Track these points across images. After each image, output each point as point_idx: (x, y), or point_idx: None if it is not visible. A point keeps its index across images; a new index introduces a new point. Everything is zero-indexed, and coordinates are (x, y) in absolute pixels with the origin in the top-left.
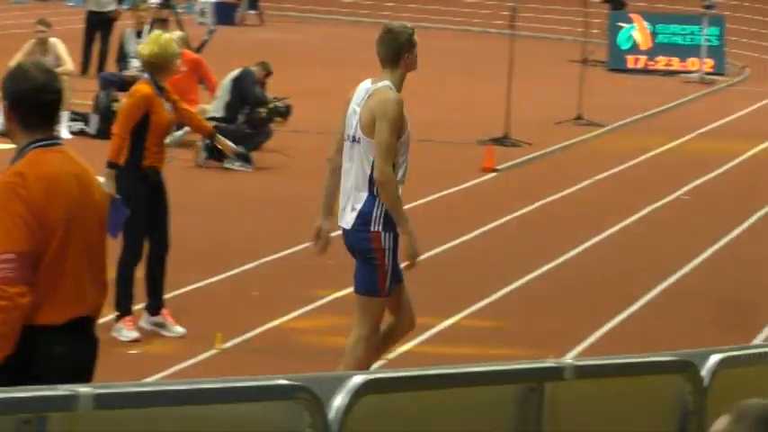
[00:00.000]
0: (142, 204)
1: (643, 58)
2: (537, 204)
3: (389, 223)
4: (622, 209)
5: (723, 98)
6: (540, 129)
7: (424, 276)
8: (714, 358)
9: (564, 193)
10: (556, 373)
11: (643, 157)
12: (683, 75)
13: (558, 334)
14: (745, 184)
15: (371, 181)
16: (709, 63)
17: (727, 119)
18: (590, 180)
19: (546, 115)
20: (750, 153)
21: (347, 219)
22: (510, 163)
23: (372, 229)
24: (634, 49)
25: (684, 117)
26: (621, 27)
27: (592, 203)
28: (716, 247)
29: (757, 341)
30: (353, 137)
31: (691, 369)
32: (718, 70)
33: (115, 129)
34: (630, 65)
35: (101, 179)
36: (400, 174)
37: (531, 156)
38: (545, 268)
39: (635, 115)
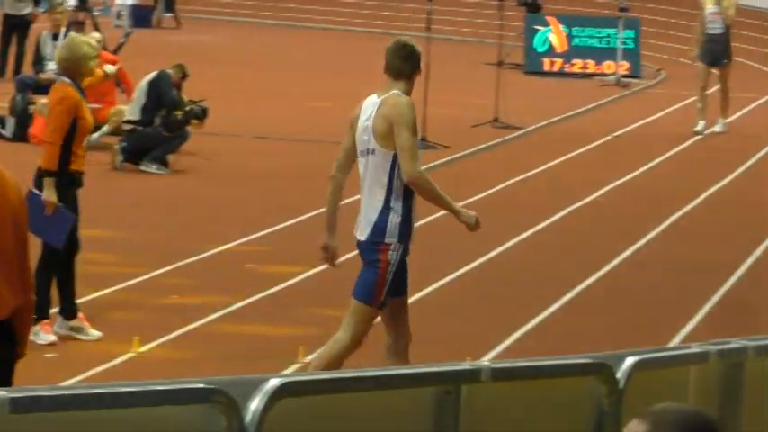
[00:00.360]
0: (70, 209)
1: (559, 60)
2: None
3: (403, 236)
4: (542, 210)
5: (639, 101)
6: (457, 132)
7: (340, 282)
8: (629, 360)
9: (483, 194)
10: (472, 376)
11: (563, 158)
12: (599, 78)
13: (475, 336)
14: (662, 185)
15: (389, 190)
16: (624, 66)
17: (644, 121)
18: (509, 181)
19: (463, 118)
20: (667, 155)
21: (361, 230)
22: (427, 166)
23: (385, 241)
24: (550, 51)
25: (601, 120)
26: (537, 30)
27: (511, 205)
28: (634, 247)
29: (674, 343)
30: (367, 150)
31: (606, 371)
32: (634, 73)
33: (48, 137)
34: (547, 68)
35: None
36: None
37: (448, 158)
38: (462, 270)
39: (552, 118)
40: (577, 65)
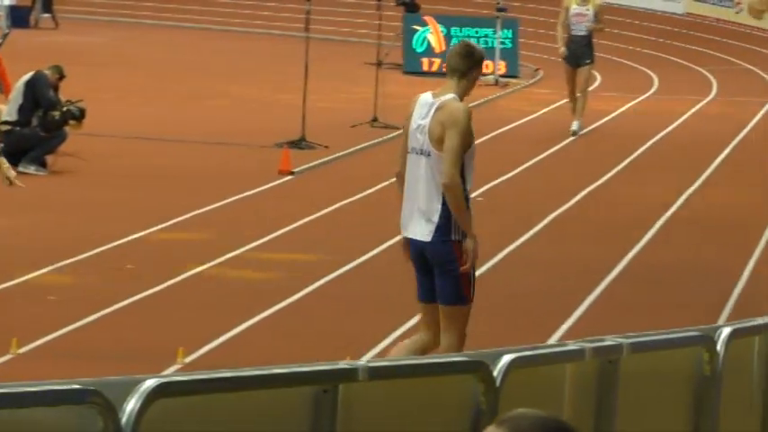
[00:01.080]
0: None
1: (438, 60)
2: (333, 207)
3: (465, 234)
4: None
5: (517, 100)
6: (336, 131)
7: (220, 280)
8: (506, 358)
9: (361, 195)
10: (349, 375)
11: None
12: None
13: (356, 335)
14: (540, 185)
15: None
16: (503, 66)
17: (522, 120)
18: (388, 181)
19: (342, 118)
20: (545, 154)
21: (421, 231)
22: (306, 166)
23: (453, 239)
24: (429, 51)
25: (479, 120)
26: (416, 30)
27: (388, 205)
28: (511, 247)
29: (552, 341)
30: (421, 150)
31: (483, 369)
32: (512, 73)
33: None
34: (426, 68)
35: None
36: (467, 186)
37: (327, 158)
38: (342, 270)
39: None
40: None
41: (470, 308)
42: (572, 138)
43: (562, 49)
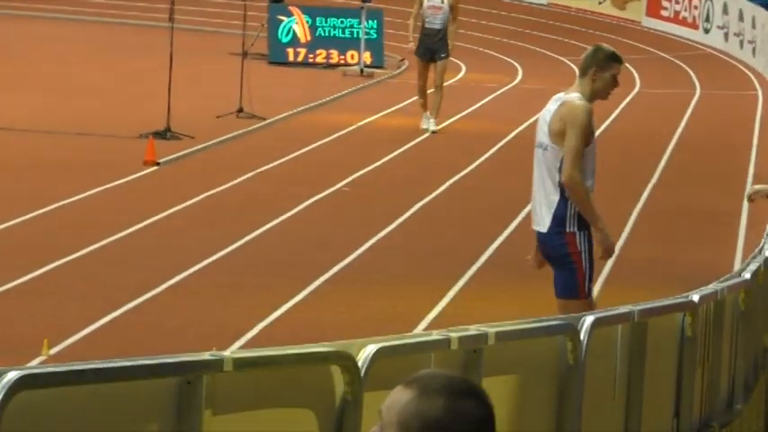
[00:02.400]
0: None
1: (303, 50)
2: (199, 197)
3: (583, 222)
4: (286, 199)
5: (382, 90)
6: (201, 122)
7: (87, 271)
8: (370, 348)
9: (226, 185)
10: (214, 365)
11: (306, 149)
12: (342, 67)
13: (223, 326)
14: (407, 173)
15: (561, 185)
16: (368, 56)
17: (386, 111)
18: (253, 171)
19: (207, 108)
20: (411, 144)
21: (542, 222)
22: (172, 156)
23: (567, 230)
24: (294, 42)
25: (345, 109)
26: (281, 20)
27: (255, 195)
28: (378, 236)
29: (419, 330)
30: (541, 144)
31: (347, 359)
32: (377, 63)
33: None
34: (291, 58)
35: None
36: (589, 183)
37: (193, 149)
38: (210, 259)
39: (296, 108)
40: (321, 55)
41: (586, 304)
42: (430, 134)
43: (411, 44)
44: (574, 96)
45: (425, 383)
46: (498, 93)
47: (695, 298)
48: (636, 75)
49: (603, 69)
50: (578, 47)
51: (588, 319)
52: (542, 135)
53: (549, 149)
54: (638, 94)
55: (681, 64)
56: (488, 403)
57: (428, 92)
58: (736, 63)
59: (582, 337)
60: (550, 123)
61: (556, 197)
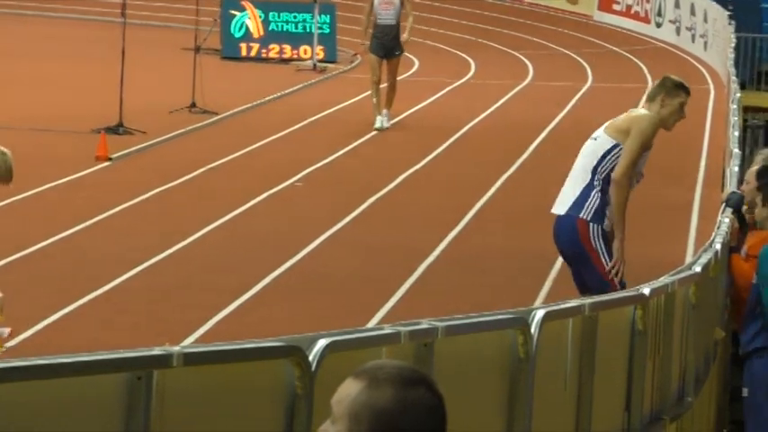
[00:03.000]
0: None
1: (256, 45)
2: (151, 193)
3: (599, 217)
4: (239, 195)
5: (335, 85)
6: (154, 117)
7: (37, 268)
8: (321, 342)
9: (178, 181)
10: (164, 361)
11: (258, 144)
12: (295, 62)
13: (174, 322)
14: (360, 168)
15: (594, 174)
16: (321, 51)
17: (339, 106)
18: (206, 167)
19: (160, 103)
20: (365, 138)
21: (564, 205)
22: (124, 152)
23: (580, 216)
24: (247, 37)
25: (298, 105)
26: (234, 15)
27: (207, 191)
28: (330, 231)
29: (371, 325)
30: (596, 136)
31: (298, 354)
32: (330, 58)
33: None
34: (244, 53)
35: None
36: (633, 182)
37: (145, 144)
38: (161, 256)
39: (249, 103)
40: (274, 50)
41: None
42: (384, 130)
43: (364, 45)
44: (643, 109)
45: (374, 374)
46: (451, 87)
47: (646, 291)
48: (588, 69)
49: (672, 97)
50: (530, 41)
51: (539, 313)
52: (600, 129)
53: (599, 139)
54: (590, 88)
55: (633, 58)
56: (438, 392)
57: (381, 87)
58: (687, 57)
59: (532, 331)
60: (616, 120)
61: (583, 185)
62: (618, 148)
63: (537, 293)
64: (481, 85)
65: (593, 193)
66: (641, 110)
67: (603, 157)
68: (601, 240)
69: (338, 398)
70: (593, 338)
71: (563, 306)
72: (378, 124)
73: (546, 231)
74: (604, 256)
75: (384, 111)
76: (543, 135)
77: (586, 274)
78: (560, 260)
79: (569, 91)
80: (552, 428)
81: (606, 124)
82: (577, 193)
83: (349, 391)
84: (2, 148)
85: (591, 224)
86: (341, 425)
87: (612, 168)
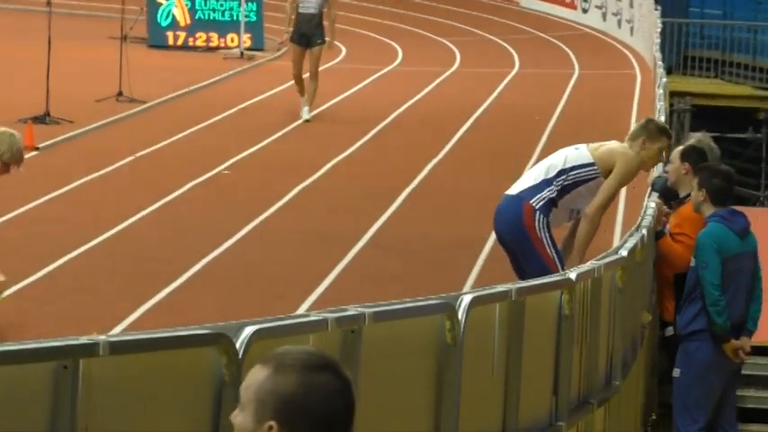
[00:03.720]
0: None
1: (183, 34)
2: (78, 182)
3: (545, 210)
4: (167, 183)
5: (262, 73)
6: (81, 106)
7: None
8: (248, 330)
9: (106, 170)
10: (89, 350)
11: (186, 133)
12: (223, 51)
13: (103, 310)
14: (287, 157)
15: (551, 182)
16: (247, 38)
17: (267, 94)
18: (133, 157)
19: (87, 92)
20: (291, 127)
21: (518, 188)
22: (51, 141)
23: (530, 201)
24: (174, 25)
25: (225, 93)
26: (160, 4)
27: (136, 179)
28: (258, 219)
29: (300, 312)
30: (579, 146)
31: (224, 341)
32: (257, 46)
33: None
34: (171, 41)
35: None
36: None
37: (72, 133)
38: (91, 244)
39: (176, 92)
40: (201, 38)
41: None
42: (303, 122)
43: (286, 36)
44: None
45: (280, 360)
46: (379, 75)
47: (572, 276)
48: (515, 55)
49: (653, 141)
50: (458, 28)
51: (466, 298)
52: (583, 144)
53: (580, 150)
54: (517, 74)
55: (559, 44)
56: (345, 376)
57: (305, 77)
58: (614, 43)
59: (460, 316)
60: (602, 146)
61: (545, 177)
62: (592, 168)
63: (466, 279)
64: (408, 72)
65: (549, 188)
66: (625, 147)
67: (575, 167)
68: (546, 231)
69: (246, 384)
70: (520, 323)
71: (490, 291)
72: (305, 116)
73: (475, 216)
74: (550, 248)
75: (306, 103)
76: (471, 121)
77: (526, 262)
78: (489, 245)
79: (496, 77)
80: (480, 413)
81: (592, 145)
82: (535, 182)
83: (256, 377)
84: (10, 130)
85: (538, 212)
86: (248, 411)
87: (576, 182)
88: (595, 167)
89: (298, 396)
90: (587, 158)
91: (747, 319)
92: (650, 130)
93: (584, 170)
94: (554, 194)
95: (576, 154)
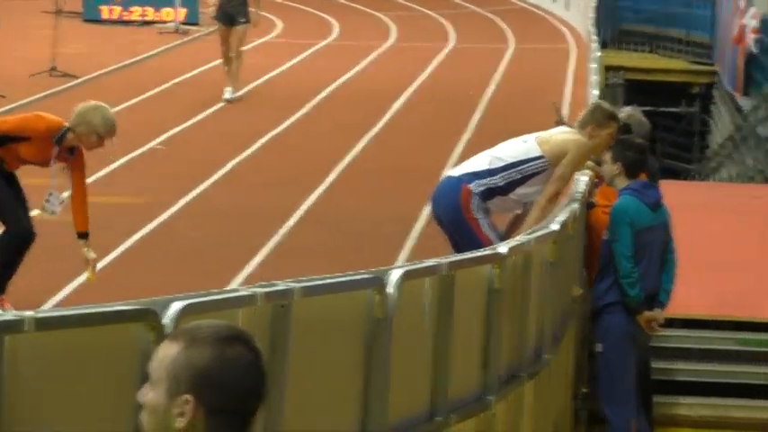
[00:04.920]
0: None
1: (118, 8)
2: None
3: (487, 198)
4: (99, 159)
5: (197, 48)
6: (14, 80)
7: None
8: (176, 305)
9: None
10: (15, 326)
11: (120, 107)
12: (158, 25)
13: (32, 288)
14: (219, 132)
15: (496, 172)
16: (183, 13)
17: (201, 69)
18: None
19: (20, 67)
20: (220, 105)
21: (461, 170)
22: None
23: (469, 185)
24: None
25: (160, 67)
26: None
27: None
28: (190, 195)
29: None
30: (527, 139)
31: (151, 317)
32: (192, 20)
33: None
34: (105, 15)
35: None
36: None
37: (5, 108)
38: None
39: (111, 66)
40: (136, 12)
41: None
42: (225, 103)
43: (211, 9)
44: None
45: (192, 335)
46: (314, 49)
47: (503, 250)
48: (451, 30)
49: (602, 128)
50: (393, 2)
51: (396, 273)
52: (531, 135)
53: (528, 143)
54: (452, 49)
55: (495, 18)
56: (256, 348)
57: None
58: (549, 17)
59: (389, 291)
60: (550, 137)
61: (489, 167)
62: (540, 161)
63: (398, 254)
64: (344, 47)
65: (491, 178)
66: (575, 134)
67: (523, 162)
68: (483, 213)
69: (157, 362)
70: (450, 297)
71: (420, 265)
72: (226, 95)
73: (409, 193)
74: (487, 229)
75: (229, 83)
76: (405, 96)
77: (464, 244)
78: (423, 221)
79: (431, 52)
80: (410, 388)
81: (539, 134)
82: (478, 169)
83: (167, 353)
84: (101, 103)
85: (475, 196)
86: (160, 388)
87: (524, 177)
88: (544, 160)
89: (213, 369)
90: (536, 152)
91: (660, 291)
92: (597, 117)
93: (532, 164)
94: (497, 185)
95: (524, 147)
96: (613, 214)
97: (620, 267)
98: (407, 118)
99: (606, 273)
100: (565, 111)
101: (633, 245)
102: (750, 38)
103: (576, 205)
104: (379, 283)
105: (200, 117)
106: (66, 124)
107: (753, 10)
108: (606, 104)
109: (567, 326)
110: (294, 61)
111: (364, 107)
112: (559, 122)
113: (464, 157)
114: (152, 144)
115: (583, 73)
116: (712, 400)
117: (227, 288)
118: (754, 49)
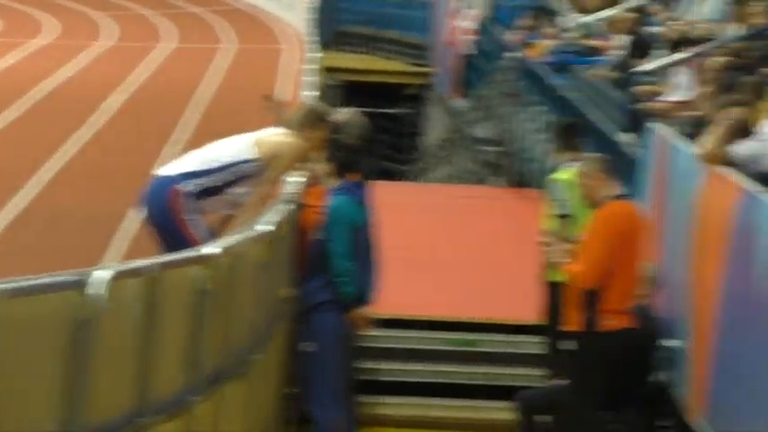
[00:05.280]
0: None
1: None
2: None
3: (204, 196)
4: None
5: None
6: None
7: None
8: None
9: None
10: None
11: None
12: None
13: None
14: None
15: (204, 174)
16: None
17: None
18: None
19: None
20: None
21: (171, 169)
22: None
23: (178, 185)
24: None
25: None
26: None
27: None
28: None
29: None
30: (241, 138)
31: None
32: None
33: None
34: None
35: None
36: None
37: None
38: None
39: None
40: None
41: None
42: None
43: None
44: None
45: None
46: (26, 50)
47: (215, 250)
48: (168, 30)
49: (314, 130)
50: (111, 2)
51: (101, 274)
52: (249, 135)
53: (244, 145)
54: (166, 49)
55: (215, 18)
56: None
57: None
58: (269, 18)
59: (93, 292)
60: (265, 138)
61: (201, 167)
62: (256, 163)
63: (108, 254)
64: (57, 46)
65: (209, 178)
66: (289, 136)
67: (239, 163)
68: (193, 213)
69: None
70: (158, 298)
71: (127, 266)
72: None
73: (119, 193)
74: (197, 230)
75: None
76: (122, 96)
77: (173, 242)
78: (132, 222)
79: (144, 52)
80: (115, 387)
81: (256, 135)
82: (193, 169)
83: None
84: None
85: (185, 197)
86: None
87: (238, 179)
88: (260, 162)
89: None
90: (252, 153)
91: (366, 289)
92: (310, 119)
93: (248, 165)
94: (213, 185)
95: (240, 148)
96: (331, 213)
97: (335, 266)
98: (120, 118)
99: (317, 272)
100: (283, 112)
101: (350, 243)
102: (463, 39)
103: (288, 206)
104: (80, 284)
105: None
106: None
107: (469, 11)
108: (318, 106)
109: (276, 326)
110: (6, 61)
111: (75, 106)
112: (279, 122)
113: (178, 156)
114: None
115: (299, 74)
116: (416, 399)
117: None
118: (468, 51)
